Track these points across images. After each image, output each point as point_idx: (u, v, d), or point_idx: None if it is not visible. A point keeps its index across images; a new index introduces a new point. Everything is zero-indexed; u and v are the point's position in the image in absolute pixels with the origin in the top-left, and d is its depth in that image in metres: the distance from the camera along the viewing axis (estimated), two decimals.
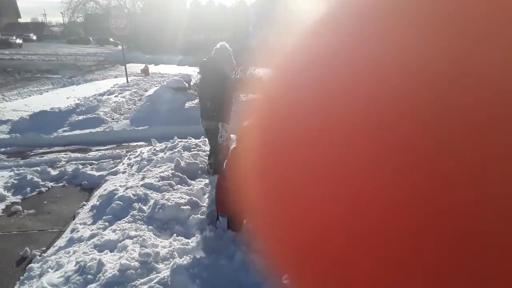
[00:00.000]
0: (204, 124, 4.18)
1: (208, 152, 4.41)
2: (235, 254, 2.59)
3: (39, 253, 3.52)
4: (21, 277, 2.86)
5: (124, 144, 8.03)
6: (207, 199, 3.67)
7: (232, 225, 2.94)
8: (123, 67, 15.96)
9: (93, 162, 6.57)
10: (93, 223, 3.42)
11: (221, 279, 2.40)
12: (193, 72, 12.86)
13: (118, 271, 2.43)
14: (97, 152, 7.33)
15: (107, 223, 3.30)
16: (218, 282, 2.38)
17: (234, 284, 2.36)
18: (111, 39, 46.78)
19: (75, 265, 2.58)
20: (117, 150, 7.43)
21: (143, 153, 5.21)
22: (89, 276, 2.46)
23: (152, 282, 2.33)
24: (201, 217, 3.32)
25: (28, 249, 3.64)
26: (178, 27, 30.85)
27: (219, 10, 33.81)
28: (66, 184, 5.56)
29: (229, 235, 2.95)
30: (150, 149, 5.39)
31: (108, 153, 7.14)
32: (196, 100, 9.97)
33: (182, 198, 3.59)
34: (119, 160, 6.39)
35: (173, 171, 4.19)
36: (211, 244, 2.83)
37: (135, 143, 8.02)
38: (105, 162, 6.32)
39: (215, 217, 3.34)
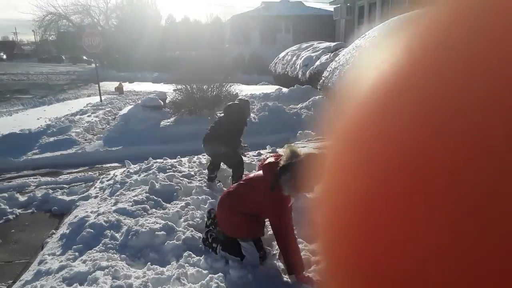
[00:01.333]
0: (214, 148, 4.74)
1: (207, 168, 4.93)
2: (212, 284, 2.48)
3: (5, 287, 3.31)
4: None
5: (97, 165, 7.80)
6: (183, 223, 3.54)
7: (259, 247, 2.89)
8: (97, 85, 15.69)
9: (64, 186, 6.33)
10: (62, 253, 3.24)
11: None
12: (168, 89, 12.75)
13: None
14: (68, 175, 7.08)
15: (77, 253, 3.13)
16: None
17: None
18: (84, 57, 46.17)
19: None
20: (90, 173, 7.20)
21: (116, 175, 5.04)
22: None
23: None
24: (177, 242, 3.19)
25: None
26: (153, 44, 30.72)
27: (194, 26, 33.88)
28: (35, 211, 5.32)
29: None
30: (124, 171, 5.23)
31: (80, 176, 6.91)
32: (172, 119, 9.86)
33: (157, 223, 3.45)
34: (91, 183, 6.19)
35: (147, 194, 4.06)
36: (189, 272, 2.71)
37: (108, 165, 7.80)
38: (77, 185, 6.11)
39: (193, 243, 3.22)
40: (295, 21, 29.83)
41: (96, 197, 4.63)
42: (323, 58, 12.28)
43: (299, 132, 8.29)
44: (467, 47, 0.26)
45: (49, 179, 6.84)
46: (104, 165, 7.78)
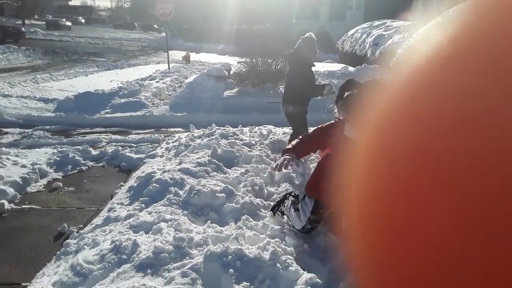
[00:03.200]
0: (285, 108, 4.75)
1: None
2: (269, 247, 2.53)
3: (76, 230, 3.61)
4: (58, 252, 2.93)
5: (162, 129, 8.15)
6: (242, 188, 3.62)
7: (317, 212, 2.81)
8: (165, 53, 16.19)
9: (132, 144, 6.70)
10: (130, 203, 3.45)
11: (255, 271, 2.34)
12: (234, 61, 12.88)
13: (152, 253, 2.42)
14: (136, 135, 7.48)
15: (143, 205, 3.32)
16: (251, 273, 2.33)
17: (269, 276, 2.30)
18: (155, 26, 47.66)
19: (110, 244, 2.60)
20: (156, 135, 7.55)
21: (181, 138, 5.23)
22: (124, 256, 2.47)
23: (185, 268, 2.31)
24: (236, 206, 3.28)
25: (66, 225, 3.74)
26: (221, 16, 30.95)
27: (262, 1, 33.59)
28: (106, 165, 5.69)
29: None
30: (188, 135, 5.41)
31: (147, 137, 7.27)
32: (236, 89, 9.99)
33: (218, 185, 3.56)
34: (157, 144, 6.48)
35: (209, 157, 4.17)
36: (247, 234, 2.78)
37: (173, 129, 8.12)
38: (144, 145, 6.42)
39: (251, 207, 3.29)
40: None
41: (162, 156, 4.85)
42: (396, 38, 11.70)
43: None
44: None
45: (119, 137, 7.27)
46: (169, 129, 8.11)
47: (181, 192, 3.47)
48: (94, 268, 2.36)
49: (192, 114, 8.58)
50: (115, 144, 6.74)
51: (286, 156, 2.80)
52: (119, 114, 8.72)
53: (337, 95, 2.77)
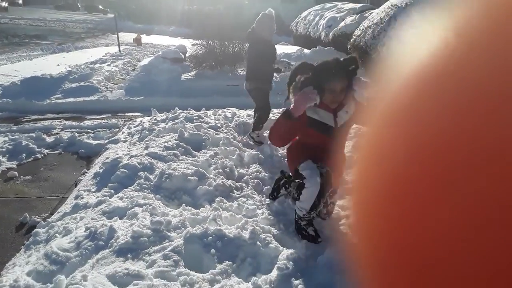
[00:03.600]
0: (246, 85, 4.73)
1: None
2: (248, 226, 2.57)
3: (41, 219, 3.47)
4: (26, 242, 2.81)
5: (119, 113, 7.89)
6: (213, 171, 3.62)
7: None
8: (114, 35, 15.55)
9: (89, 130, 6.46)
10: (98, 190, 3.36)
11: (236, 250, 2.38)
12: (187, 43, 12.62)
13: (130, 237, 2.39)
14: (92, 121, 7.21)
15: (112, 191, 3.24)
16: (232, 252, 2.37)
17: (250, 254, 2.35)
18: (100, 7, 45.45)
19: (85, 231, 2.53)
20: (113, 120, 7.30)
21: (144, 122, 5.11)
22: (101, 242, 2.42)
23: (166, 250, 2.31)
24: (209, 188, 3.28)
25: (27, 215, 3.58)
26: None
27: None
28: (63, 152, 5.47)
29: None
30: (151, 119, 5.29)
31: (104, 122, 7.02)
32: (193, 72, 9.83)
33: (189, 168, 3.54)
34: (117, 129, 6.29)
35: (177, 141, 4.12)
36: (223, 215, 2.81)
37: (130, 113, 7.88)
38: (102, 131, 6.21)
39: (224, 189, 3.31)
40: None
41: (125, 141, 4.72)
42: (348, 20, 11.94)
43: None
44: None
45: (73, 123, 6.97)
46: (126, 114, 7.86)
47: (151, 177, 3.42)
48: (71, 256, 2.29)
49: (149, 98, 8.37)
50: (70, 130, 6.47)
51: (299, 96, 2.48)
52: (71, 99, 8.33)
53: (289, 78, 2.72)
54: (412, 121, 0.27)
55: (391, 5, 6.40)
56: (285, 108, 2.54)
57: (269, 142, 4.54)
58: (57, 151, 5.50)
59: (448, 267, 0.24)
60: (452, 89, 0.25)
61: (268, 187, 3.46)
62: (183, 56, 10.53)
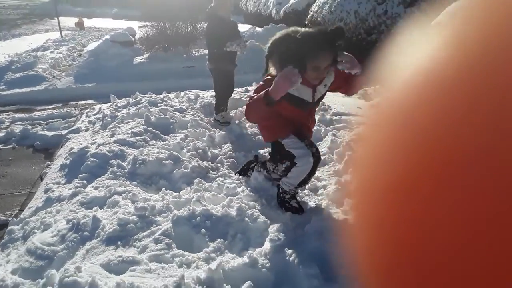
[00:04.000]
0: (207, 65, 4.65)
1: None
2: (233, 204, 2.60)
3: (5, 217, 3.30)
4: (1, 241, 2.68)
5: (71, 102, 7.54)
6: (186, 153, 3.59)
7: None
8: (53, 20, 14.76)
9: (41, 122, 6.12)
10: (68, 182, 3.23)
11: (225, 227, 2.41)
12: (133, 26, 12.15)
13: (117, 225, 2.35)
14: (43, 111, 6.82)
15: (85, 181, 3.13)
16: (222, 230, 2.40)
17: (240, 230, 2.39)
18: None
19: (66, 223, 2.45)
20: (65, 109, 6.96)
21: (104, 110, 4.93)
22: (85, 233, 2.35)
23: (156, 234, 2.29)
24: (185, 170, 3.26)
25: None
26: None
27: None
28: (16, 146, 5.17)
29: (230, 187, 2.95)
30: (111, 105, 5.11)
31: (57, 112, 6.67)
32: (146, 55, 9.53)
33: (162, 153, 3.48)
34: (72, 119, 6.02)
35: (144, 126, 4.03)
36: (205, 195, 2.81)
37: (83, 101, 7.56)
38: (56, 121, 5.93)
39: (200, 171, 3.30)
40: None
41: (87, 130, 4.55)
42: None
43: None
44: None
45: (23, 115, 6.58)
46: (78, 102, 7.53)
47: (124, 164, 3.34)
48: (57, 249, 2.22)
49: (101, 85, 8.05)
50: (20, 123, 6.10)
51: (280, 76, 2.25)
52: (17, 90, 7.83)
53: (268, 50, 2.59)
54: (413, 120, 0.27)
55: None
56: (265, 90, 2.30)
57: (237, 121, 4.58)
58: (10, 146, 5.19)
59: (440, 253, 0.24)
60: (455, 88, 0.25)
61: (242, 164, 3.50)
62: (133, 39, 10.16)
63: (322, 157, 3.73)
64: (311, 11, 7.59)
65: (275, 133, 2.64)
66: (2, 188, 4.10)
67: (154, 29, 9.68)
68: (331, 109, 4.74)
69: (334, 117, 4.48)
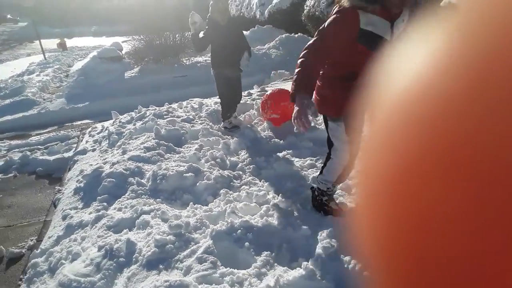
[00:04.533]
0: (211, 71, 4.48)
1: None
2: (272, 213, 2.46)
3: (19, 250, 3.12)
4: (25, 276, 2.49)
5: (67, 124, 7.31)
6: (205, 164, 3.44)
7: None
8: (33, 44, 14.48)
9: (39, 147, 5.91)
10: (87, 206, 3.05)
11: (269, 238, 2.27)
12: (119, 40, 11.95)
13: (155, 247, 2.19)
14: (39, 136, 6.59)
15: (105, 203, 2.96)
16: (267, 241, 2.25)
17: (285, 241, 2.24)
18: (8, 16, 41.77)
19: (98, 251, 2.28)
20: (62, 132, 6.73)
21: (108, 127, 4.75)
22: (121, 259, 2.18)
23: (198, 253, 2.13)
24: (208, 182, 3.11)
25: (2, 248, 3.19)
26: None
27: None
28: (18, 174, 4.96)
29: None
30: (115, 122, 4.93)
31: (54, 135, 6.45)
32: (137, 69, 9.34)
33: (181, 165, 3.32)
34: (71, 140, 5.82)
35: (156, 140, 3.87)
36: (238, 206, 2.66)
37: (79, 122, 7.34)
38: (55, 145, 5.71)
39: (223, 180, 3.15)
40: None
41: (94, 150, 4.36)
42: None
43: (272, 72, 8.18)
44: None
45: (19, 142, 6.35)
46: (74, 123, 7.31)
47: (143, 181, 3.18)
48: (94, 280, 2.04)
49: (96, 103, 7.86)
50: (18, 150, 5.88)
51: (297, 109, 1.86)
52: (8, 117, 7.58)
53: None
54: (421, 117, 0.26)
55: None
56: (293, 90, 1.91)
57: (248, 125, 4.41)
58: (11, 174, 4.98)
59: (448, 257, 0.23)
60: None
61: (264, 170, 3.36)
62: (121, 53, 9.98)
63: None
64: (307, 6, 7.48)
65: (326, 105, 2.18)
66: (9, 219, 3.90)
67: (142, 41, 9.51)
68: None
69: None
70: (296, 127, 1.87)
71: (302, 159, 3.49)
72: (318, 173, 2.61)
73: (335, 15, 1.95)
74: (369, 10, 1.87)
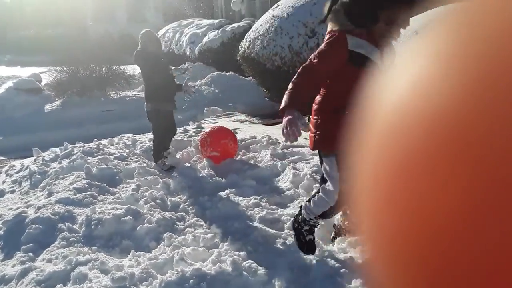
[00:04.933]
0: (145, 106, 4.34)
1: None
2: (225, 258, 2.34)
3: None
4: None
5: None
6: (144, 205, 3.22)
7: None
8: None
9: None
10: (8, 257, 2.67)
11: (224, 286, 2.13)
12: (35, 71, 11.17)
13: None
14: None
15: (31, 254, 2.61)
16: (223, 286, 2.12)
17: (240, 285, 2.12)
18: None
19: None
20: None
21: (28, 165, 4.29)
22: None
23: None
24: (150, 225, 2.90)
25: None
26: None
27: (50, 1, 30.10)
28: None
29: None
30: (36, 160, 4.48)
31: None
32: (58, 102, 8.74)
33: (117, 208, 3.07)
34: None
35: (86, 180, 3.56)
36: (185, 251, 2.50)
37: None
38: None
39: (166, 223, 2.97)
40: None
41: (12, 192, 3.89)
42: (211, 35, 12.18)
43: (205, 109, 8.14)
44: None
45: None
46: None
47: (75, 227, 2.88)
48: None
49: (11, 138, 7.16)
50: None
51: (288, 119, 1.90)
52: None
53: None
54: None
55: (273, 16, 6.69)
56: (284, 105, 1.94)
57: (187, 164, 4.27)
58: None
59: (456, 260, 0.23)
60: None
61: (208, 210, 3.23)
62: (40, 85, 9.31)
63: (288, 193, 3.61)
64: (241, 47, 7.63)
65: (319, 141, 2.15)
66: None
67: (64, 73, 8.97)
68: (279, 142, 4.68)
69: (285, 150, 4.42)
70: (285, 138, 1.93)
71: (246, 198, 3.42)
72: (307, 199, 2.53)
73: (327, 39, 2.07)
74: (356, 33, 1.96)
